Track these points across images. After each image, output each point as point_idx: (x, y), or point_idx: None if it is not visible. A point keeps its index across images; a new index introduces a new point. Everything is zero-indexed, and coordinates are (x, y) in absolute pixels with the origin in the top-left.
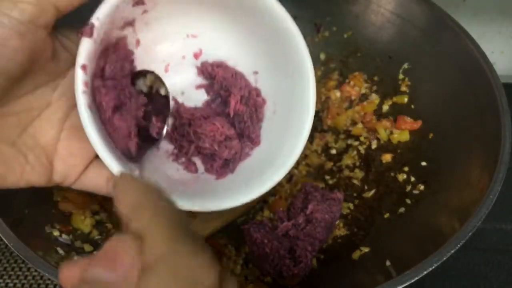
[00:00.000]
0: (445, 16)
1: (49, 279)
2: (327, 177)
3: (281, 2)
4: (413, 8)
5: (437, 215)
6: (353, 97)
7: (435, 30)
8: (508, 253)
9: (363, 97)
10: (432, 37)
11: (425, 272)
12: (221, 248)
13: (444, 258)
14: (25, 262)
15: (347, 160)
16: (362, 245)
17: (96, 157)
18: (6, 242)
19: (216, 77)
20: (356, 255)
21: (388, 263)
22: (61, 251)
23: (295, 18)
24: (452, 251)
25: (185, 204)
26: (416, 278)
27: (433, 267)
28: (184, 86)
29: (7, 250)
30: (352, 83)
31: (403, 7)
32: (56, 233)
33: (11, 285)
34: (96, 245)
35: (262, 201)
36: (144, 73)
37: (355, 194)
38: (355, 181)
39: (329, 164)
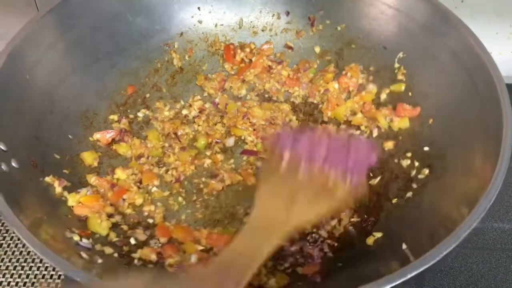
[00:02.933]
0: (444, 9)
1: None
2: None
3: None
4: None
5: (445, 199)
6: (351, 88)
7: (432, 21)
8: (505, 252)
9: (361, 88)
10: (427, 27)
11: (445, 253)
12: None
13: (461, 240)
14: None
15: None
16: (375, 230)
17: None
18: (32, 249)
19: None
20: (370, 240)
21: (404, 246)
22: (84, 255)
23: (288, 13)
24: (467, 232)
25: None
26: (437, 259)
27: (451, 248)
28: None
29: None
30: (349, 74)
31: None
32: (76, 237)
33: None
34: (116, 247)
35: None
36: None
37: None
38: None
39: None
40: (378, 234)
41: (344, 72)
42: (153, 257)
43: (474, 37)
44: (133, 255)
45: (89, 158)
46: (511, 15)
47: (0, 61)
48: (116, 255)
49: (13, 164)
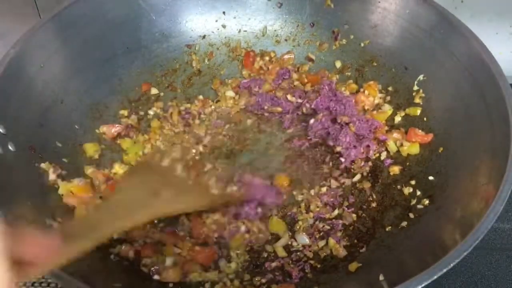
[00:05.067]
0: (464, 28)
1: None
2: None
3: (299, 8)
4: (432, 19)
5: (439, 230)
6: (366, 107)
7: (454, 43)
8: (506, 252)
9: (376, 107)
10: (448, 50)
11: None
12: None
13: (440, 273)
14: None
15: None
16: (361, 257)
17: None
18: None
19: None
20: (353, 266)
21: (381, 277)
22: None
23: (313, 25)
24: (451, 265)
25: None
26: None
27: (423, 285)
28: None
29: None
30: (366, 92)
31: (421, 17)
32: (55, 225)
33: None
34: None
35: None
36: None
37: (359, 205)
38: (361, 191)
39: (337, 172)
40: (362, 262)
41: (362, 90)
42: (131, 254)
43: (495, 63)
44: (111, 250)
45: (91, 149)
46: (511, 15)
47: (16, 47)
48: None
49: (10, 147)
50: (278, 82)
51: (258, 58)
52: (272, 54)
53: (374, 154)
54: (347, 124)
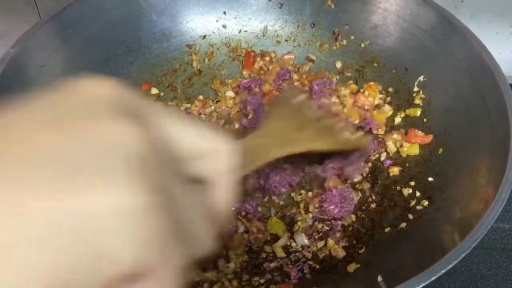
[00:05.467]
0: (464, 28)
1: None
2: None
3: (300, 8)
4: (432, 20)
5: (438, 231)
6: (366, 107)
7: (454, 43)
8: (505, 252)
9: (376, 108)
10: (448, 50)
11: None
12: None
13: (438, 274)
14: None
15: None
16: (360, 258)
17: None
18: None
19: None
20: (351, 267)
21: (379, 278)
22: None
23: (313, 25)
24: (450, 266)
25: None
26: None
27: (421, 286)
28: None
29: None
30: (366, 93)
31: (421, 18)
32: None
33: None
34: None
35: None
36: None
37: (358, 206)
38: (360, 192)
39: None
40: (361, 263)
41: (362, 90)
42: None
43: (495, 66)
44: None
45: None
46: (511, 15)
47: (16, 47)
48: None
49: None
50: (278, 83)
51: (258, 59)
52: (273, 55)
53: (374, 155)
54: None
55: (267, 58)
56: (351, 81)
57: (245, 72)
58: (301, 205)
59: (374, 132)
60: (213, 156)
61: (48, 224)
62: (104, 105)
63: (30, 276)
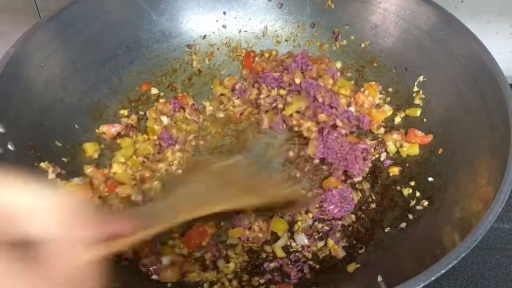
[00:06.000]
0: (463, 28)
1: None
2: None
3: (300, 8)
4: (432, 20)
5: (438, 231)
6: (365, 105)
7: (454, 43)
8: (505, 252)
9: (377, 107)
10: (448, 50)
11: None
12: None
13: (438, 274)
14: None
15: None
16: (359, 258)
17: None
18: None
19: None
20: (351, 267)
21: (379, 278)
22: None
23: (313, 25)
24: (450, 266)
25: None
26: None
27: (421, 286)
28: None
29: None
30: (366, 92)
31: (421, 18)
32: None
33: None
34: None
35: None
36: None
37: (358, 206)
38: (360, 192)
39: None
40: (361, 263)
41: (362, 89)
42: (130, 254)
43: (496, 67)
44: None
45: (91, 149)
46: (511, 15)
47: (16, 47)
48: None
49: (9, 146)
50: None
51: (257, 58)
52: (274, 52)
53: (374, 155)
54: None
55: (266, 55)
56: (352, 82)
57: (245, 72)
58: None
59: (369, 128)
60: (44, 209)
61: None
62: None
63: None
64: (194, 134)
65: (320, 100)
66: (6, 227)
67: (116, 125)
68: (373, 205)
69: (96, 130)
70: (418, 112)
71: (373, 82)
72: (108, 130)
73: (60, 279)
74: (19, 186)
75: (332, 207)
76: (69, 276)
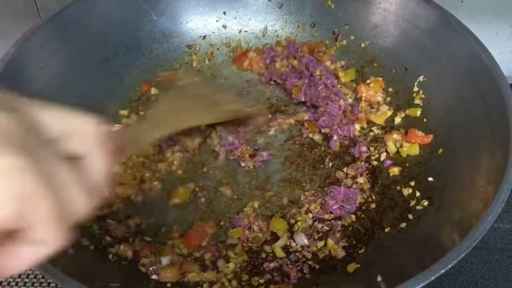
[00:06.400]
0: (463, 28)
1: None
2: (334, 186)
3: (300, 8)
4: (432, 20)
5: (438, 231)
6: (363, 97)
7: (454, 43)
8: (506, 252)
9: (376, 105)
10: (448, 50)
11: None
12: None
13: (437, 274)
14: None
15: (352, 171)
16: (359, 259)
17: None
18: None
19: None
20: (351, 268)
21: (379, 278)
22: None
23: (313, 25)
24: (449, 266)
25: None
26: None
27: (421, 285)
28: None
29: None
30: (372, 85)
31: (421, 18)
32: None
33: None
34: (94, 240)
35: None
36: None
37: (358, 206)
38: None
39: (340, 174)
40: (361, 263)
41: (368, 81)
42: (129, 254)
43: (496, 67)
44: (110, 249)
45: None
46: (511, 15)
47: (16, 46)
48: (92, 247)
49: None
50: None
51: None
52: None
53: (374, 155)
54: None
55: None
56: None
57: (233, 67)
58: (304, 206)
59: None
60: (80, 133)
61: None
62: None
63: None
64: None
65: (318, 77)
66: (59, 147)
67: (116, 125)
68: (373, 205)
69: None
70: (418, 112)
71: (380, 78)
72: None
73: (98, 183)
74: (62, 115)
75: (333, 202)
76: (101, 181)
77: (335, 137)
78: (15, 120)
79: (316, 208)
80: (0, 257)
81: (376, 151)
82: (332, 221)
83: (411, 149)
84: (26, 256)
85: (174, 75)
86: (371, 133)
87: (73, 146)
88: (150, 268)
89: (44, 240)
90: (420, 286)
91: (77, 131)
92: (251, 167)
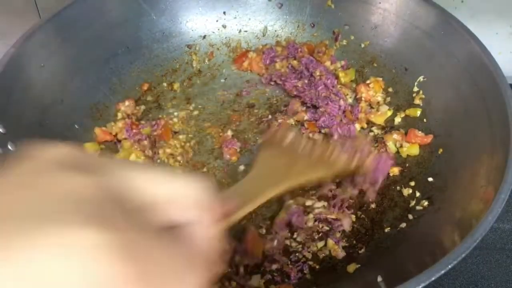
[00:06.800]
0: (464, 28)
1: None
2: (333, 187)
3: (300, 8)
4: (432, 20)
5: (438, 231)
6: (363, 97)
7: (454, 43)
8: (505, 252)
9: (375, 105)
10: (448, 50)
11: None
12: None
13: (438, 275)
14: None
15: None
16: (359, 259)
17: None
18: None
19: None
20: (351, 268)
21: (379, 278)
22: None
23: (313, 25)
24: (450, 266)
25: None
26: None
27: (421, 286)
28: None
29: None
30: (371, 85)
31: (421, 18)
32: None
33: None
34: None
35: None
36: None
37: (358, 206)
38: (360, 192)
39: None
40: (361, 263)
41: (368, 82)
42: None
43: (495, 67)
44: None
45: (91, 149)
46: (511, 15)
47: (16, 47)
48: None
49: (9, 146)
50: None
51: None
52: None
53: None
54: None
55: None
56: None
57: (233, 67)
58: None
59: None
60: (181, 199)
61: None
62: (54, 165)
63: None
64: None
65: (318, 77)
66: (154, 217)
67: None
68: (373, 205)
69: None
70: (418, 112)
71: (380, 78)
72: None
73: (200, 255)
74: (158, 178)
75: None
76: (206, 251)
77: (335, 137)
78: (96, 184)
79: (319, 208)
80: None
81: (376, 151)
82: (332, 221)
83: (411, 149)
84: None
85: (275, 134)
86: (371, 133)
87: (172, 214)
88: None
89: None
90: (421, 286)
91: (177, 196)
92: None
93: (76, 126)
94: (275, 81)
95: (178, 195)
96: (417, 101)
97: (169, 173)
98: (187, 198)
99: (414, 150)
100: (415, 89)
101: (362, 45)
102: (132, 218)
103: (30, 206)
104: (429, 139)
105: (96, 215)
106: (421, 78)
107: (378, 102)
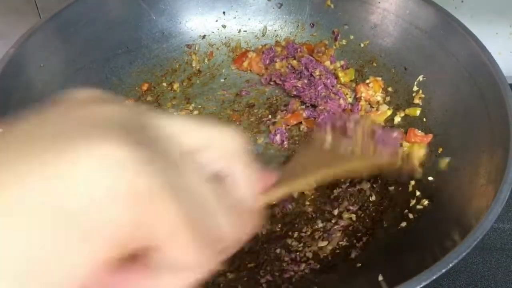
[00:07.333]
0: (463, 28)
1: None
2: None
3: (299, 8)
4: (432, 20)
5: (438, 230)
6: (363, 97)
7: (453, 43)
8: (505, 252)
9: (376, 104)
10: (448, 50)
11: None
12: None
13: (439, 274)
14: None
15: None
16: (360, 257)
17: None
18: None
19: None
20: (351, 267)
21: (380, 277)
22: None
23: (313, 25)
24: (450, 266)
25: None
26: None
27: (422, 285)
28: None
29: None
30: (371, 85)
31: (421, 18)
32: None
33: None
34: None
35: None
36: None
37: (359, 205)
38: (360, 192)
39: None
40: (362, 262)
41: (367, 81)
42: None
43: (495, 66)
44: None
45: None
46: (511, 15)
47: (16, 47)
48: None
49: None
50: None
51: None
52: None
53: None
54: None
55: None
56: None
57: (233, 67)
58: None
59: None
60: (218, 142)
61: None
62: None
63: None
64: None
65: (317, 77)
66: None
67: None
68: (373, 205)
69: None
70: (418, 112)
71: (380, 78)
72: None
73: (245, 206)
74: (194, 125)
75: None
76: (249, 203)
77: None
78: (132, 110)
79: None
80: None
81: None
82: (333, 220)
83: (417, 152)
84: None
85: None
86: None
87: (213, 159)
88: None
89: (183, 263)
90: (421, 285)
91: (217, 144)
92: None
93: None
94: (274, 81)
95: (216, 143)
96: (416, 101)
97: (207, 122)
98: (223, 142)
99: (420, 153)
100: (415, 88)
101: (362, 45)
102: (171, 157)
103: (60, 128)
104: (428, 138)
105: (129, 137)
106: (420, 78)
107: (378, 102)
